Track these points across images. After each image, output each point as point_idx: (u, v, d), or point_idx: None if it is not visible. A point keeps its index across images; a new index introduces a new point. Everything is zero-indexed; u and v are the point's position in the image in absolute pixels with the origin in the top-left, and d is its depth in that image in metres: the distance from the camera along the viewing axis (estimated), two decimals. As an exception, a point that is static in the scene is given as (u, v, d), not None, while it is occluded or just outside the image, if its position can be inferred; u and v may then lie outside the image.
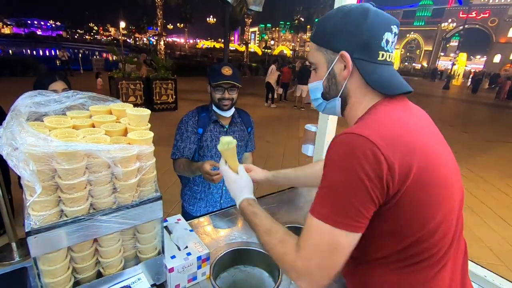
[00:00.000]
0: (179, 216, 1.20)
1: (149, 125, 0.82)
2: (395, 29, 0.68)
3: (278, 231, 0.72)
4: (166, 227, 1.10)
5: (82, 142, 0.65)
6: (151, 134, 0.78)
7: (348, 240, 0.58)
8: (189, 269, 0.96)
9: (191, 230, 1.10)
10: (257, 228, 0.77)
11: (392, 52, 0.70)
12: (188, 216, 1.73)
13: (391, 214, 0.60)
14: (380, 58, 0.68)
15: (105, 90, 10.04)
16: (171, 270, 0.92)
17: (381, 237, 0.64)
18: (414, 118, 0.69)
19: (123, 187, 0.73)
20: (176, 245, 1.02)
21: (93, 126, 0.83)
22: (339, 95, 0.73)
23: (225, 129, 1.65)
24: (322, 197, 0.60)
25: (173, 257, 0.96)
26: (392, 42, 0.69)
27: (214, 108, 1.62)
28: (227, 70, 1.52)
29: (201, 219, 1.36)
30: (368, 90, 0.69)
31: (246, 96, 11.68)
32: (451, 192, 0.65)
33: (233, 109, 1.65)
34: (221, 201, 1.73)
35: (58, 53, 15.07)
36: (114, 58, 12.70)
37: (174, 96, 8.85)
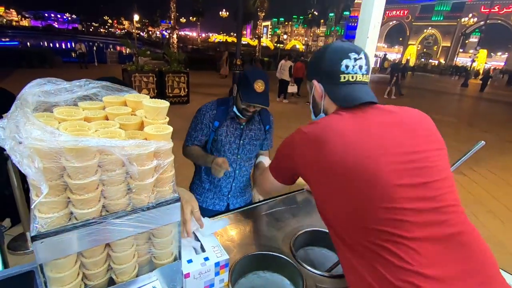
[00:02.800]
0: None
1: (167, 119, 0.74)
2: (353, 55, 0.85)
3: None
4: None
5: (94, 137, 0.57)
6: (170, 128, 0.69)
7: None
8: (206, 276, 0.88)
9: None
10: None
11: (357, 73, 0.86)
12: None
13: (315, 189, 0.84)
14: (342, 80, 0.86)
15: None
16: (187, 275, 0.85)
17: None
18: (357, 122, 0.79)
19: (138, 187, 0.65)
20: (194, 248, 0.95)
21: (107, 119, 0.75)
22: (322, 111, 0.94)
23: (241, 127, 1.60)
24: (276, 157, 0.95)
25: (189, 261, 0.89)
26: (354, 66, 0.85)
27: (235, 109, 1.55)
28: (259, 86, 1.39)
29: (212, 219, 1.29)
30: (334, 104, 0.89)
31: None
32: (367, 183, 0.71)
33: None
34: (229, 196, 1.69)
35: (75, 46, 15.22)
36: (127, 51, 12.79)
37: (186, 90, 8.83)
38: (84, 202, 0.59)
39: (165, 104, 0.72)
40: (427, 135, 0.81)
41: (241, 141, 1.59)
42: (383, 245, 0.69)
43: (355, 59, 0.85)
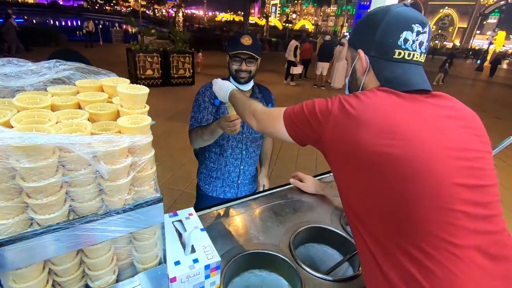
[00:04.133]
0: (191, 210, 1.04)
1: (147, 108, 0.64)
2: (417, 27, 0.70)
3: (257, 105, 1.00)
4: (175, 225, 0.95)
5: (50, 131, 0.48)
6: (148, 120, 0.60)
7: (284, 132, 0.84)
8: (195, 279, 0.81)
9: (202, 229, 0.95)
10: (241, 104, 1.06)
11: (415, 51, 0.72)
12: (203, 198, 1.65)
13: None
14: (396, 56, 0.72)
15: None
16: (173, 279, 0.78)
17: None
18: (410, 109, 0.67)
19: (110, 188, 0.56)
20: (182, 247, 0.87)
21: (80, 107, 0.66)
22: (360, 88, 0.80)
23: None
24: (298, 108, 0.80)
25: (177, 263, 0.81)
26: (414, 41, 0.71)
27: (232, 80, 1.50)
28: (246, 40, 1.40)
29: (214, 212, 1.21)
30: (378, 84, 0.76)
31: (264, 72, 11.28)
32: (417, 179, 0.61)
33: (251, 83, 1.54)
34: (238, 181, 1.63)
35: (83, 24, 14.85)
36: (133, 30, 12.54)
37: (191, 71, 8.64)
38: (44, 206, 0.51)
39: (143, 90, 0.62)
40: (480, 135, 0.71)
41: None
42: (425, 249, 0.60)
43: (418, 33, 0.70)
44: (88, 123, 0.54)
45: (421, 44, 0.72)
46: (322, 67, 9.60)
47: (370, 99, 0.68)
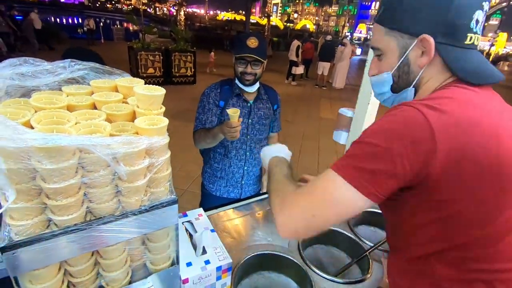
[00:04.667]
0: (200, 210, 1.04)
1: (163, 108, 0.64)
2: (486, 5, 0.59)
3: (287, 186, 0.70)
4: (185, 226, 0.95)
5: (71, 133, 0.48)
6: (166, 121, 0.59)
7: (354, 198, 0.53)
8: (206, 280, 0.81)
9: (212, 230, 0.95)
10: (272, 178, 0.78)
11: (480, 34, 0.61)
12: (207, 197, 1.65)
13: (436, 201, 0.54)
14: (467, 42, 0.59)
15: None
16: (186, 281, 0.78)
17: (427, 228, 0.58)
18: (497, 104, 0.59)
19: (128, 190, 0.56)
20: (193, 248, 0.87)
21: (94, 107, 0.65)
22: (412, 84, 0.65)
23: (249, 104, 1.52)
24: (347, 155, 0.57)
25: (189, 264, 0.81)
26: (482, 21, 0.60)
27: (237, 82, 1.50)
28: (252, 42, 1.38)
29: (221, 213, 1.21)
30: (447, 77, 0.61)
31: (265, 72, 11.19)
32: None
33: (257, 85, 1.53)
34: (242, 182, 1.63)
35: (84, 21, 14.72)
36: (134, 28, 12.52)
37: (193, 69, 8.63)
38: (63, 208, 0.50)
39: (160, 91, 0.61)
40: None
41: (250, 120, 1.52)
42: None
43: (485, 12, 0.59)
44: (107, 124, 0.54)
45: (482, 24, 0.61)
46: (323, 67, 9.59)
47: (456, 96, 0.56)
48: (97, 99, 0.63)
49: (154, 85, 0.64)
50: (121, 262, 0.65)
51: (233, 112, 1.19)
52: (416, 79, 0.64)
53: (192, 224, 0.95)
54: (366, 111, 1.56)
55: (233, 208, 1.26)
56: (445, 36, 0.58)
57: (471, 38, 0.59)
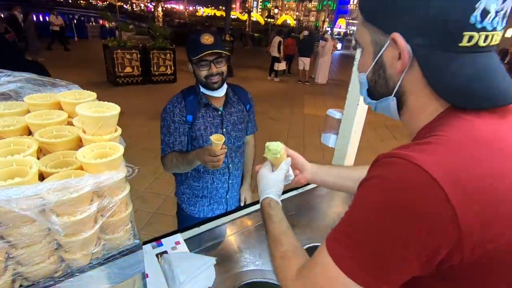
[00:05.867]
0: (178, 237, 0.91)
1: (119, 131, 0.50)
2: None
3: (285, 244, 0.59)
4: (160, 256, 0.82)
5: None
6: (120, 150, 0.46)
7: None
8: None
9: (198, 271, 0.82)
10: (268, 235, 0.64)
11: (496, 30, 0.41)
12: (188, 219, 1.47)
13: None
14: (464, 44, 0.41)
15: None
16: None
17: None
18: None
19: (71, 244, 0.43)
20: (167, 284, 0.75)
21: (29, 132, 0.51)
22: (393, 93, 0.50)
23: (219, 113, 1.33)
24: (345, 233, 0.43)
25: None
26: (497, 11, 0.40)
27: (202, 89, 1.30)
28: (207, 38, 1.22)
29: (203, 236, 1.08)
30: (434, 93, 0.45)
31: (247, 68, 11.12)
32: None
33: (225, 86, 1.33)
34: (227, 196, 1.46)
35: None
36: (110, 25, 12.08)
37: (173, 68, 8.35)
38: (-27, 281, 0.36)
39: (112, 111, 0.48)
40: None
41: (224, 130, 1.34)
42: None
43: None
44: (34, 161, 0.40)
45: (504, 15, 0.42)
46: (303, 63, 9.55)
47: (466, 140, 0.40)
48: (31, 122, 0.49)
49: (107, 102, 0.51)
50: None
51: (218, 139, 1.02)
52: (396, 87, 0.48)
53: (169, 264, 0.81)
54: (356, 113, 1.47)
55: (216, 226, 1.13)
56: (427, 37, 0.42)
57: (470, 38, 0.41)
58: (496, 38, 0.42)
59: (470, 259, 0.37)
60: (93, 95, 0.56)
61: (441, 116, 0.45)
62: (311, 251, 1.07)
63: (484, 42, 0.42)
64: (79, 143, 0.49)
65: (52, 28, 11.18)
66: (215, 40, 1.22)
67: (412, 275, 0.40)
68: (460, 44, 0.41)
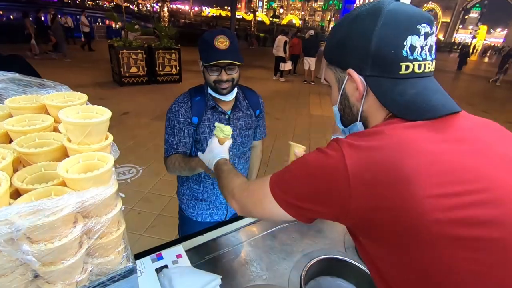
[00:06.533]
0: (180, 249, 0.85)
1: (110, 139, 0.44)
2: (424, 28, 0.52)
3: (241, 177, 0.80)
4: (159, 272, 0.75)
5: None
6: (109, 161, 0.39)
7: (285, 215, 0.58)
8: None
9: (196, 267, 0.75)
10: (229, 176, 0.82)
11: (426, 59, 0.53)
12: (187, 222, 1.43)
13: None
14: (402, 72, 0.52)
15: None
16: None
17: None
18: (452, 141, 0.48)
19: (50, 274, 0.36)
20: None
21: (10, 140, 0.45)
22: (359, 119, 0.60)
23: (227, 116, 1.26)
24: (283, 171, 0.59)
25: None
26: (423, 46, 0.52)
27: (210, 91, 1.22)
28: (222, 42, 1.11)
29: (206, 247, 1.01)
30: (386, 113, 0.55)
31: (253, 68, 11.04)
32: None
33: (235, 91, 1.25)
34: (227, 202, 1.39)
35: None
36: (116, 26, 12.21)
37: (178, 68, 8.33)
38: None
39: (101, 116, 0.41)
40: None
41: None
42: None
43: (426, 35, 0.52)
44: (4, 178, 0.33)
45: (430, 49, 0.54)
46: (309, 62, 9.44)
47: (390, 137, 0.48)
48: (9, 128, 0.42)
49: (98, 106, 0.44)
50: None
51: (223, 131, 0.98)
52: (359, 113, 0.59)
53: (170, 278, 0.75)
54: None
55: (220, 236, 1.07)
56: (373, 69, 0.54)
57: (407, 67, 0.52)
58: (428, 66, 0.54)
59: (357, 219, 0.48)
60: (84, 97, 0.49)
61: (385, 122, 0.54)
62: (323, 263, 1.00)
63: (419, 69, 0.53)
64: (65, 153, 0.42)
65: (83, 30, 11.36)
66: (230, 44, 1.12)
67: (320, 214, 0.53)
68: (400, 72, 0.52)
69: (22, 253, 0.31)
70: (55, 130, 0.46)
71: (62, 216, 0.32)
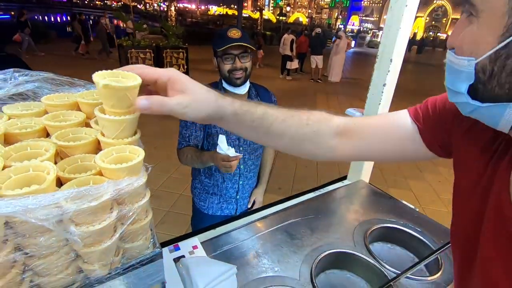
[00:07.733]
0: (195, 240, 0.88)
1: (138, 134, 0.47)
2: None
3: None
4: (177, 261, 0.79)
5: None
6: (141, 153, 0.43)
7: None
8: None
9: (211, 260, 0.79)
10: None
11: None
12: (199, 215, 1.49)
13: None
14: None
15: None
16: None
17: None
18: None
19: (89, 255, 0.40)
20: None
21: (47, 134, 0.49)
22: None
23: None
24: None
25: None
26: None
27: (224, 84, 1.32)
28: (234, 33, 1.23)
29: (219, 240, 1.05)
30: None
31: (260, 67, 11.07)
32: None
33: (247, 84, 1.34)
34: (237, 197, 1.46)
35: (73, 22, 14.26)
36: (125, 26, 12.35)
37: (185, 66, 8.39)
38: (-11, 294, 0.34)
39: (134, 114, 0.45)
40: None
41: None
42: None
43: None
44: (51, 167, 0.37)
45: None
46: (316, 60, 9.41)
47: None
48: (48, 123, 0.46)
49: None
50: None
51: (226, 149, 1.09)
52: None
53: (188, 272, 0.78)
54: (377, 113, 1.41)
55: (232, 230, 1.10)
56: None
57: None
58: None
59: None
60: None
61: None
62: (331, 257, 1.03)
63: None
64: (97, 146, 0.46)
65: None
66: (242, 34, 1.23)
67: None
68: None
69: (70, 233, 0.35)
70: (87, 125, 0.50)
71: (102, 201, 0.36)
